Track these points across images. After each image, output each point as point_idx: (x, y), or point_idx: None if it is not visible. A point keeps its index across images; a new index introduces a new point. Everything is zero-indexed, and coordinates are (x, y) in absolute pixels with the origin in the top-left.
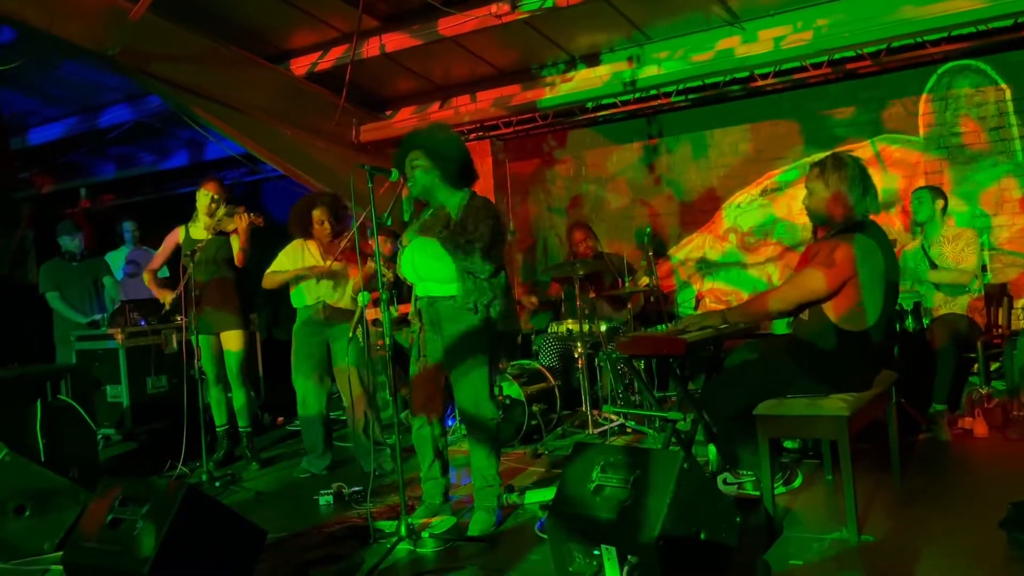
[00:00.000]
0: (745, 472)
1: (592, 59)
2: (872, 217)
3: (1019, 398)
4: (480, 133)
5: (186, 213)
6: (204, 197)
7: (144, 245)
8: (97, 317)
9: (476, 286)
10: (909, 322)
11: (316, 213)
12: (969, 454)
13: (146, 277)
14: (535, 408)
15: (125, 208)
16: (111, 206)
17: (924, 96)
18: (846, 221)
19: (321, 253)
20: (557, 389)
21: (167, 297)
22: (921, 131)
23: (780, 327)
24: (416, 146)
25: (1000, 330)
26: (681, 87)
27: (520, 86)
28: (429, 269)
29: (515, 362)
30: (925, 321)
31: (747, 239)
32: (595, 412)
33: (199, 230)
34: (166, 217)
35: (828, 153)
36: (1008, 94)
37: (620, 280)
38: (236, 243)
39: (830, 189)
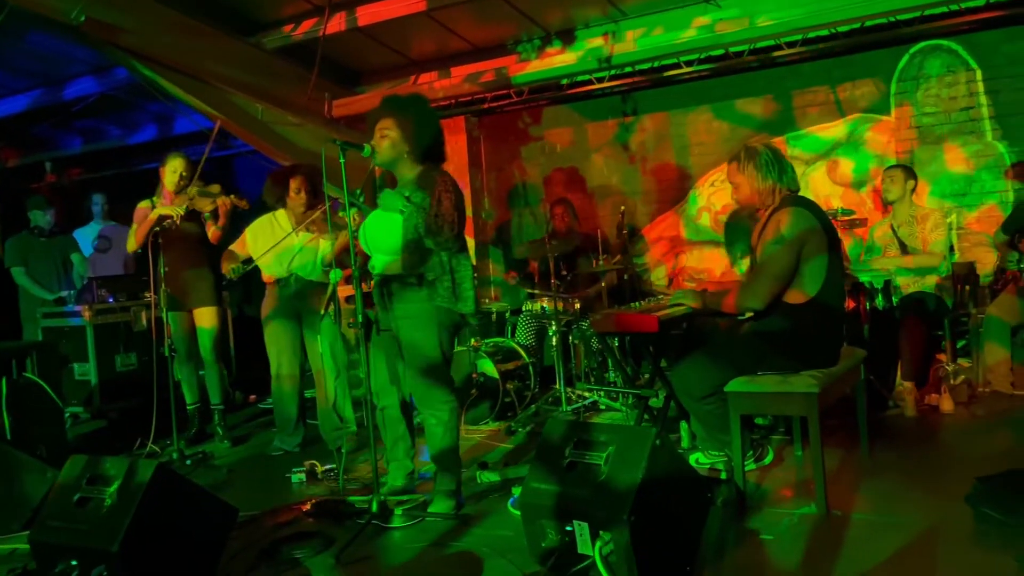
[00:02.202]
0: (715, 453)
1: (567, 35)
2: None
3: (984, 375)
4: (454, 109)
5: (155, 188)
6: (172, 175)
7: (113, 220)
8: (64, 294)
9: (422, 259)
10: (879, 300)
11: (293, 181)
12: (936, 430)
13: (133, 238)
14: (509, 385)
15: (92, 183)
16: (78, 180)
17: (896, 76)
18: (774, 202)
19: (292, 223)
20: (531, 366)
21: (174, 210)
22: (893, 111)
23: None
24: (391, 114)
25: (966, 308)
26: (656, 64)
27: (494, 62)
28: (381, 240)
29: (489, 340)
30: (894, 299)
31: (720, 218)
32: (569, 389)
33: (165, 206)
34: (135, 192)
35: (742, 146)
36: (978, 74)
37: (594, 258)
38: (211, 222)
39: (750, 179)
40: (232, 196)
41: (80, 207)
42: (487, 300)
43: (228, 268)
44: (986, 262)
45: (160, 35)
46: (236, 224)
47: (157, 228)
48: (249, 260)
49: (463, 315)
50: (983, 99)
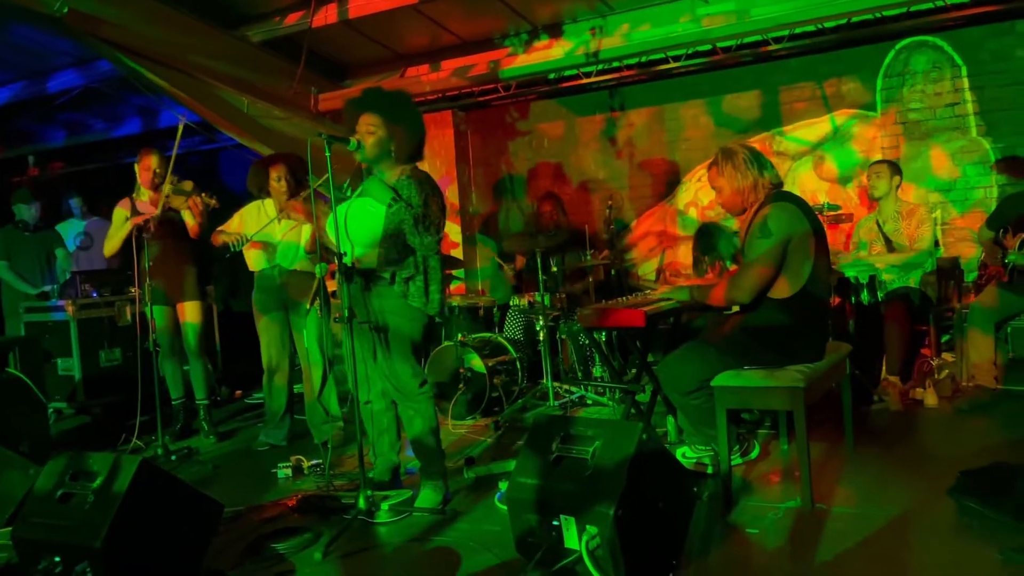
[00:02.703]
0: (701, 447)
1: (555, 29)
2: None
3: (968, 370)
4: (442, 103)
5: (135, 185)
6: (145, 172)
7: (96, 216)
8: (47, 288)
9: (399, 255)
10: (864, 295)
11: (274, 170)
12: (920, 424)
13: (111, 243)
14: (496, 380)
15: (76, 177)
16: (61, 174)
17: (882, 72)
18: (758, 198)
19: (278, 211)
20: (519, 361)
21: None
22: (879, 107)
23: None
24: (378, 110)
25: (951, 303)
26: (643, 59)
27: (482, 56)
28: (360, 233)
29: (477, 335)
30: (879, 294)
31: (707, 213)
32: (556, 384)
33: (145, 202)
34: (119, 186)
35: (719, 149)
36: (964, 71)
37: (582, 253)
38: (189, 217)
39: (730, 180)
40: (204, 195)
41: (61, 201)
42: (473, 295)
43: (231, 239)
44: (971, 257)
45: (144, 27)
46: (214, 220)
47: (141, 224)
48: (243, 238)
49: (430, 316)
50: (968, 95)
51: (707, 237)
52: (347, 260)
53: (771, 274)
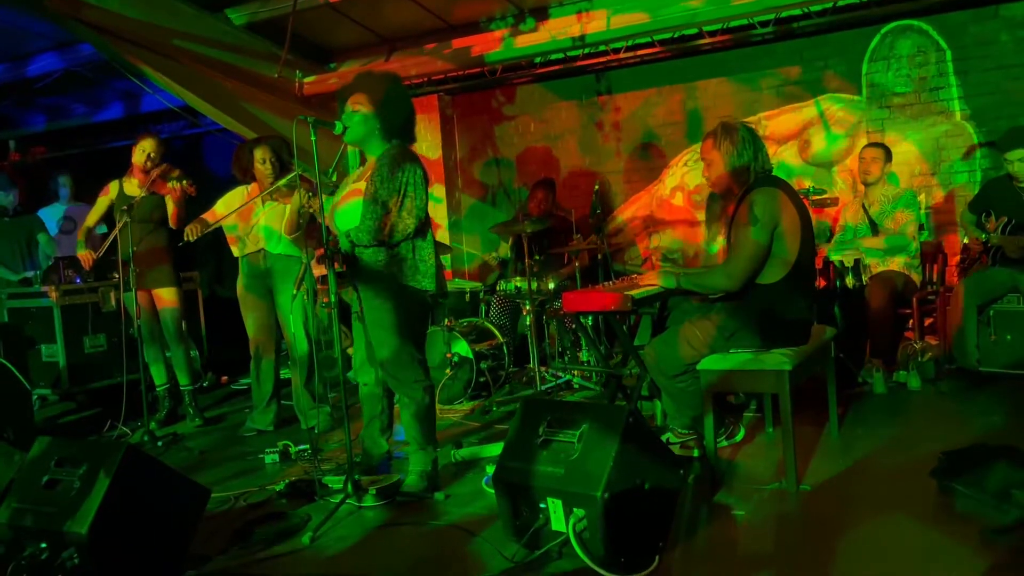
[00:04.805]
0: (686, 431)
1: (541, 13)
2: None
3: (951, 352)
4: (428, 88)
5: (122, 167)
6: (140, 153)
7: (80, 201)
8: (29, 274)
9: (384, 247)
10: (849, 279)
11: (258, 152)
12: (903, 406)
13: (79, 235)
14: (483, 365)
15: (57, 162)
16: (43, 159)
17: (868, 56)
18: (747, 181)
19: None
20: (505, 346)
21: (88, 260)
22: (864, 91)
23: None
24: (363, 90)
25: (934, 286)
26: (630, 43)
27: (468, 40)
28: (350, 220)
29: (463, 320)
30: (864, 278)
31: (694, 197)
32: (543, 368)
33: (133, 186)
34: (101, 171)
35: (718, 123)
36: (948, 55)
37: (568, 238)
38: (171, 204)
39: (726, 156)
40: (185, 182)
41: (45, 186)
42: (460, 280)
43: (188, 230)
44: (954, 240)
45: (126, 9)
46: (202, 203)
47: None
48: (200, 227)
49: (430, 295)
50: (952, 79)
51: (718, 204)
52: (344, 246)
53: (759, 262)
